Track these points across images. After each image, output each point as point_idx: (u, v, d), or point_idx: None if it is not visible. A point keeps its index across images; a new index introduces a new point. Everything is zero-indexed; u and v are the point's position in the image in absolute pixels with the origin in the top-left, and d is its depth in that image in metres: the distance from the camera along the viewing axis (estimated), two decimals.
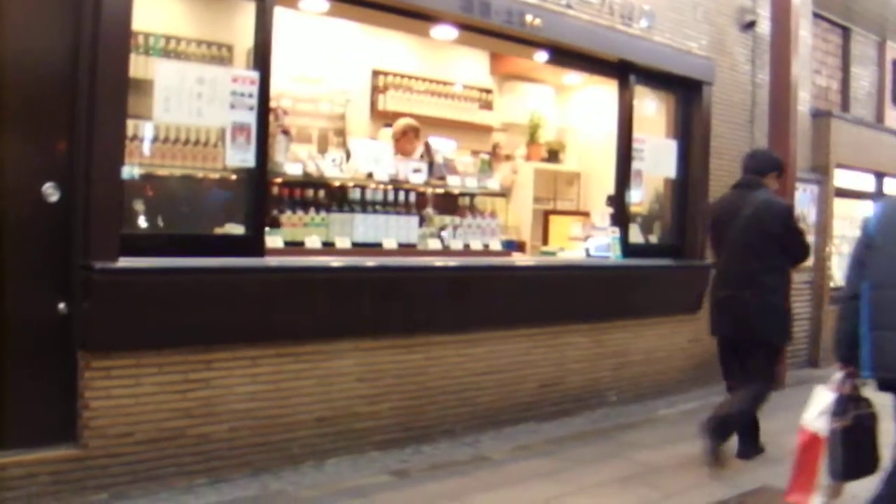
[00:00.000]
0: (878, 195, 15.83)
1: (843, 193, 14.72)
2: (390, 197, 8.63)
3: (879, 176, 15.91)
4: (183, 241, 6.86)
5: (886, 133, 16.38)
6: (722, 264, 8.55)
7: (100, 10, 6.19)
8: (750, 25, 12.31)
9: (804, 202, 13.27)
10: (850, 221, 15.30)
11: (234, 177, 7.44)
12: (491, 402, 8.97)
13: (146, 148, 7.02)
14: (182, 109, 6.76)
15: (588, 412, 9.95)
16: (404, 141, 9.76)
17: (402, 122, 10.10)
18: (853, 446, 5.58)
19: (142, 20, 6.76)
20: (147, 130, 6.98)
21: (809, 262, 13.24)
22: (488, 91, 12.44)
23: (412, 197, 8.83)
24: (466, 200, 9.35)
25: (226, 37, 8.07)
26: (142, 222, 6.97)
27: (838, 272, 14.70)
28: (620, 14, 10.22)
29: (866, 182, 15.62)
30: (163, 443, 6.62)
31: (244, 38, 7.48)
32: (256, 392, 7.16)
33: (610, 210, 10.55)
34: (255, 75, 7.17)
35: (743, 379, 8.34)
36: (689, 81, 11.25)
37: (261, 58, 7.27)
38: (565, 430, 9.26)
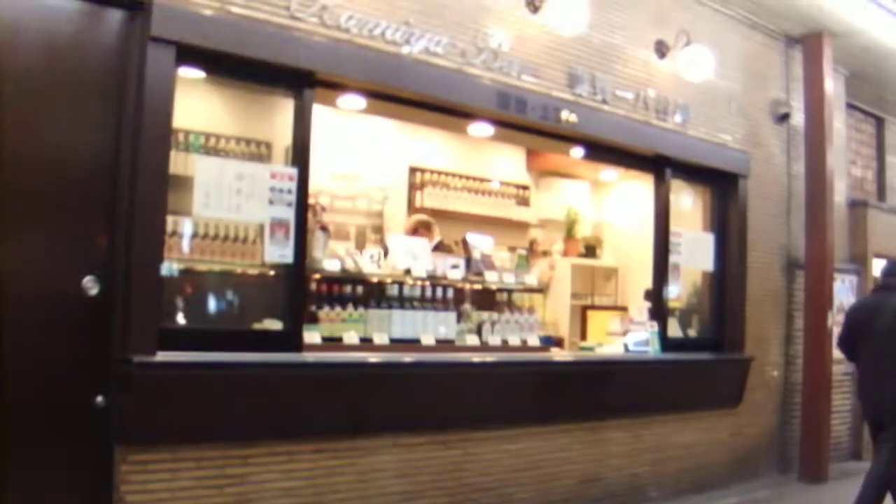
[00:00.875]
0: None
1: None
2: (428, 293, 8.63)
3: None
4: (221, 336, 6.89)
5: None
6: (866, 361, 8.89)
7: (141, 107, 6.29)
8: (784, 118, 12.34)
9: (843, 293, 13.18)
10: None
11: (272, 272, 7.46)
12: (529, 499, 8.88)
13: (186, 243, 7.10)
14: (221, 205, 6.83)
15: None
16: (417, 237, 9.85)
17: (412, 219, 10.29)
18: None
19: (182, 118, 6.86)
20: (187, 226, 7.07)
21: None
22: (525, 187, 12.52)
23: (450, 293, 8.83)
24: (504, 296, 9.35)
25: (265, 134, 8.18)
26: (181, 317, 7.00)
27: None
28: (655, 109, 10.27)
29: None
30: None
31: (283, 136, 7.57)
32: (293, 488, 7.12)
33: (648, 304, 10.54)
34: (293, 172, 7.24)
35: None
36: (724, 174, 11.27)
37: (299, 154, 7.35)
38: None
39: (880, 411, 8.63)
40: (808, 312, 12.05)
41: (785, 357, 12.37)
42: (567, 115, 9.16)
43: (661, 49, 10.36)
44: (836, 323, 12.06)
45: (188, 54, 6.60)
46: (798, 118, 12.50)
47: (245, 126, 8.27)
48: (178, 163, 6.94)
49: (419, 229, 10.15)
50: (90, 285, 6.27)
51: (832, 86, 12.36)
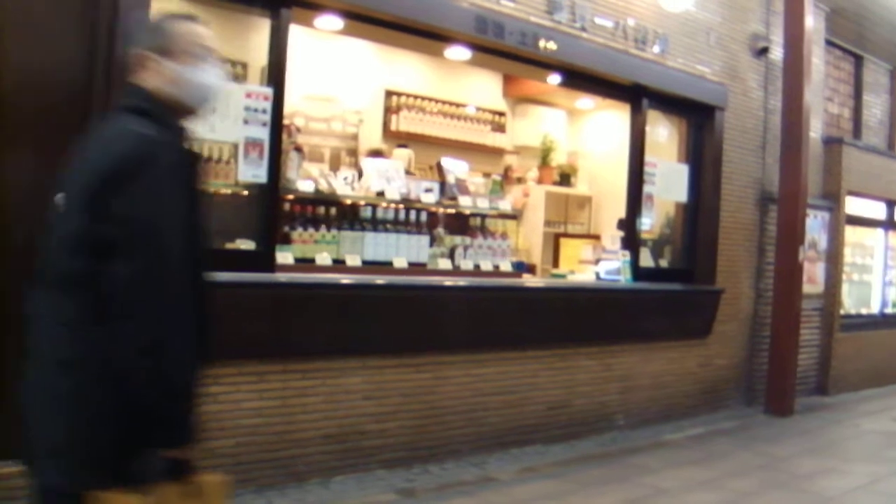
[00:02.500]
0: (889, 223, 15.86)
1: (855, 221, 14.73)
2: (401, 216, 8.63)
3: (891, 204, 15.94)
4: None
5: None
6: None
7: (116, 25, 6.22)
8: (763, 52, 12.31)
9: (815, 229, 13.24)
10: (861, 249, 15.37)
11: (245, 192, 7.44)
12: (498, 424, 8.95)
13: None
14: (195, 124, 6.76)
15: (595, 435, 9.92)
16: None
17: (366, 149, 10.42)
18: None
19: None
20: None
21: (820, 288, 13.26)
22: (501, 114, 12.46)
23: (423, 216, 8.82)
24: (478, 221, 9.35)
25: (241, 54, 8.10)
26: None
27: (848, 299, 14.72)
28: (634, 38, 10.23)
29: (877, 210, 15.62)
30: None
31: (259, 56, 7.50)
32: (263, 408, 7.15)
33: (621, 234, 10.55)
34: (268, 91, 7.19)
35: None
36: (701, 106, 11.27)
37: (275, 74, 7.30)
38: (572, 453, 9.23)
39: None
40: (780, 247, 12.10)
41: (755, 290, 12.44)
42: (545, 41, 9.11)
43: None
44: (806, 258, 12.16)
45: None
46: (777, 53, 12.49)
47: (221, 45, 8.15)
48: None
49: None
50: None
51: (812, 21, 12.32)
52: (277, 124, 7.26)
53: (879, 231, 16.02)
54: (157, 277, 3.15)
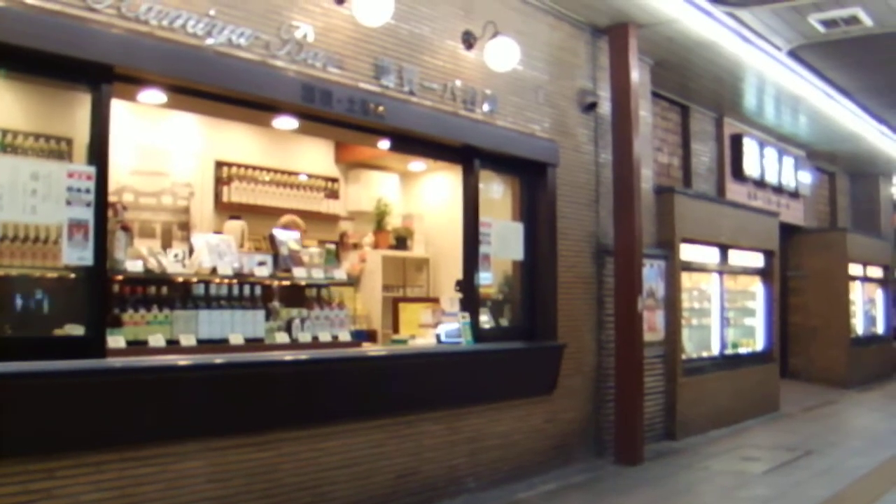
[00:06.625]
0: (723, 267, 16.17)
1: (690, 267, 14.97)
2: (235, 291, 8.49)
3: (723, 248, 16.32)
4: (20, 345, 6.62)
5: (728, 206, 16.86)
6: None
7: None
8: (591, 107, 12.45)
9: (652, 277, 13.39)
10: (698, 293, 15.63)
11: (72, 275, 7.22)
12: (347, 497, 8.78)
13: None
14: (15, 207, 6.54)
15: (447, 500, 9.82)
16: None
17: (283, 219, 10.59)
18: None
19: None
20: None
21: (660, 335, 13.40)
22: (334, 180, 12.44)
23: (258, 291, 8.69)
24: (313, 292, 9.24)
25: (65, 130, 7.95)
26: None
27: (689, 344, 14.93)
28: (463, 99, 10.24)
29: (711, 255, 15.92)
30: None
31: (83, 132, 7.27)
32: (101, 500, 6.86)
33: (459, 295, 10.51)
34: (91, 170, 6.96)
35: None
36: (533, 164, 11.31)
37: (97, 152, 7.06)
38: None
39: None
40: (619, 298, 12.22)
41: (597, 342, 12.52)
42: (374, 107, 9.06)
43: (469, 40, 10.30)
44: (645, 307, 12.28)
45: None
46: (605, 107, 12.66)
47: (43, 122, 8.01)
48: None
49: (289, 226, 10.29)
50: None
51: (638, 75, 12.54)
52: (102, 203, 7.01)
53: (714, 275, 16.33)
54: None
